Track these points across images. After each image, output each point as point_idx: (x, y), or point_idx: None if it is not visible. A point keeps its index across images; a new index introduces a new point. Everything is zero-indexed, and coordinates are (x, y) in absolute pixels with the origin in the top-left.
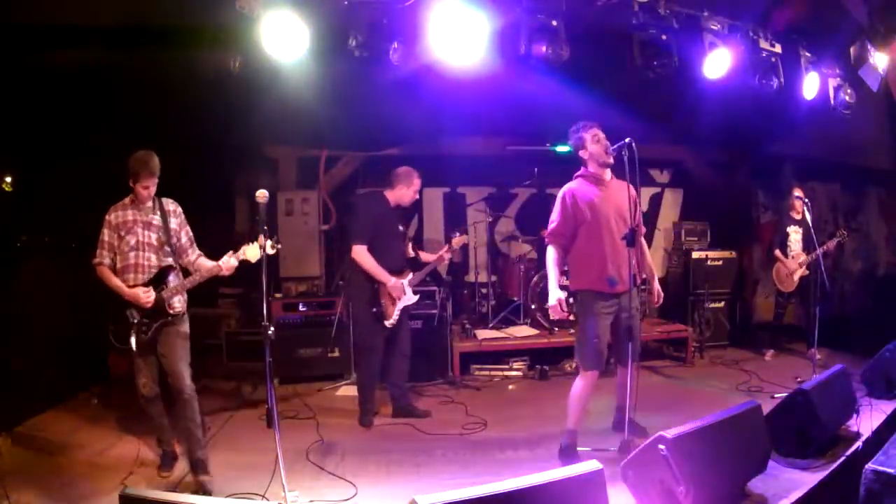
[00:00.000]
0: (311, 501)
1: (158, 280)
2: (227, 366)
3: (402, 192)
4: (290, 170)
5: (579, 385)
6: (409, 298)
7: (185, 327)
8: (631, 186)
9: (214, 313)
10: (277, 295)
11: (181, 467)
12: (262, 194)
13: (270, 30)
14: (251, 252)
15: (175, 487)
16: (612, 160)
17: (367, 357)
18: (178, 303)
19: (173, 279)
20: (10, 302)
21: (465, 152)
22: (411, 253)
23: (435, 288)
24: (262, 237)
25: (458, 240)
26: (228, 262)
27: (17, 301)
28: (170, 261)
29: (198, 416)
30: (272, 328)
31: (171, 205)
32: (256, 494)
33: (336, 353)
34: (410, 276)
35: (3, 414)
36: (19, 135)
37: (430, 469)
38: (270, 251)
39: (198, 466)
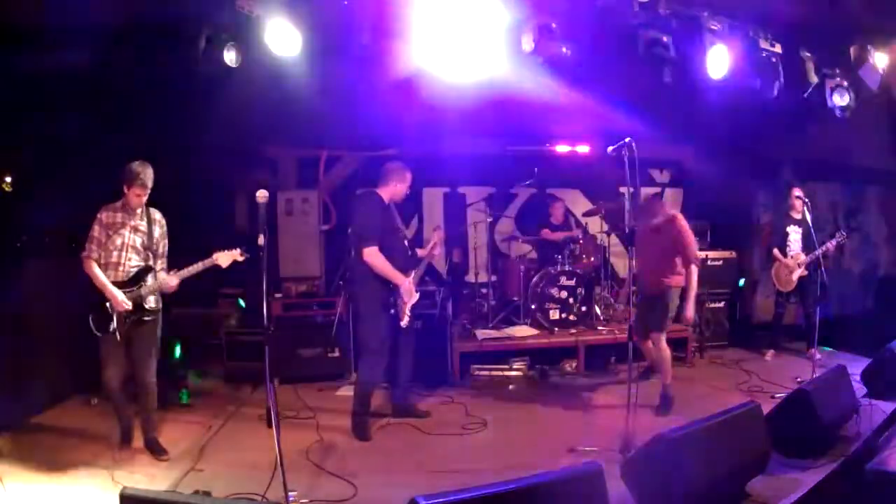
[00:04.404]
0: (311, 501)
1: (138, 278)
2: (227, 366)
3: (396, 188)
4: (290, 170)
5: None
6: (415, 297)
7: (157, 328)
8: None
9: (214, 313)
10: (277, 295)
11: (180, 467)
12: (262, 194)
13: (270, 29)
14: (223, 259)
15: (175, 487)
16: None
17: (374, 360)
18: (154, 301)
19: (151, 279)
20: (10, 302)
21: (465, 152)
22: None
23: (435, 288)
24: (261, 237)
25: (438, 233)
26: (169, 281)
27: (17, 301)
28: (150, 263)
29: (155, 405)
30: (272, 328)
31: (157, 215)
32: (256, 494)
33: (336, 353)
34: (412, 274)
35: (3, 414)
36: (19, 135)
37: (430, 469)
38: (240, 258)
39: (154, 446)
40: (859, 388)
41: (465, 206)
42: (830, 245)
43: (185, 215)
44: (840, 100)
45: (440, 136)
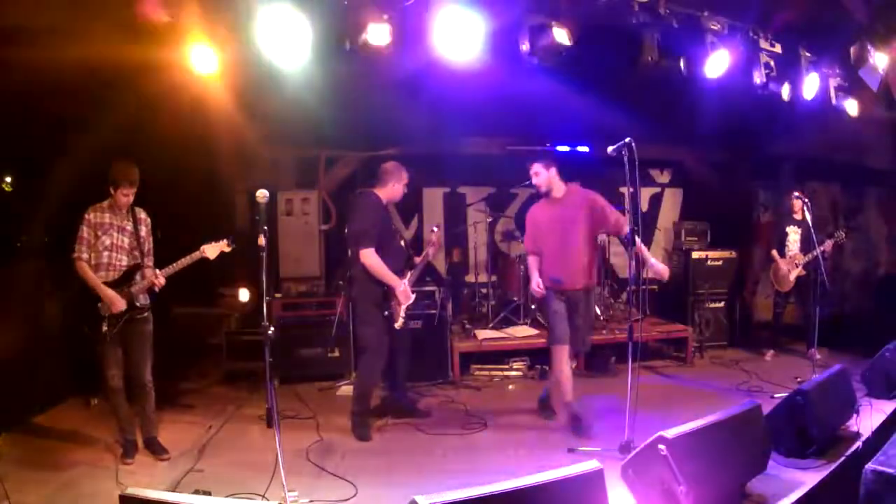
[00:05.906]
0: (311, 501)
1: (128, 277)
2: (227, 366)
3: (394, 189)
4: (290, 170)
5: None
6: (410, 299)
7: (150, 326)
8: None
9: (214, 313)
10: (277, 295)
11: (180, 467)
12: (262, 194)
13: (270, 29)
14: (210, 251)
15: (175, 487)
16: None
17: (373, 360)
18: (144, 299)
19: (139, 278)
20: (10, 302)
21: (465, 152)
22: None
23: (435, 288)
24: (261, 237)
25: (435, 235)
26: (157, 278)
27: (17, 301)
28: (138, 261)
29: (154, 404)
30: (272, 328)
31: (142, 214)
32: (256, 494)
33: (336, 353)
34: (408, 276)
35: (3, 414)
36: (19, 135)
37: (430, 469)
38: (227, 249)
39: (154, 446)
40: (859, 388)
41: (465, 206)
42: (828, 246)
43: (185, 215)
44: (842, 103)
45: (440, 136)
